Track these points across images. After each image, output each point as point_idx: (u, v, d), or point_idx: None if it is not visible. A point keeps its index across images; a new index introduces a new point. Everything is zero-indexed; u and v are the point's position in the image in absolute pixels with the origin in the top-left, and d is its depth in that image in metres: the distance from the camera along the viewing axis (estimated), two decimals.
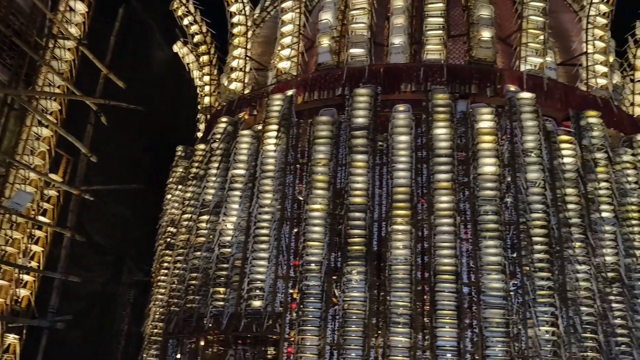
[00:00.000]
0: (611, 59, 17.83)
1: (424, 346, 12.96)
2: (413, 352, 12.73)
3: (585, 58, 16.93)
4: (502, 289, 13.08)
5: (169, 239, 17.52)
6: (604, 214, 14.62)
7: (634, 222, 15.15)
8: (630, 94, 18.75)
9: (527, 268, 13.46)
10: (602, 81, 16.94)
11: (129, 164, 21.44)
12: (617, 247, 14.31)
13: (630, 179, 15.56)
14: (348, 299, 13.39)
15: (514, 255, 13.84)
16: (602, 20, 17.36)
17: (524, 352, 12.74)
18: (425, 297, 13.46)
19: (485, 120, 14.62)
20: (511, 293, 13.31)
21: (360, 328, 13.09)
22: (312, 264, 13.84)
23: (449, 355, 12.58)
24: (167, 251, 17.42)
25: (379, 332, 13.41)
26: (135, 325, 21.69)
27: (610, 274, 14.17)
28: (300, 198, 15.25)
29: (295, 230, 15.00)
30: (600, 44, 17.26)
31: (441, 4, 16.41)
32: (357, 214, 14.11)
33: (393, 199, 14.10)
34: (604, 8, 17.39)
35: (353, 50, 16.37)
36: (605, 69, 17.11)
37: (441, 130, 14.65)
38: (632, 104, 18.68)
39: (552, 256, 13.52)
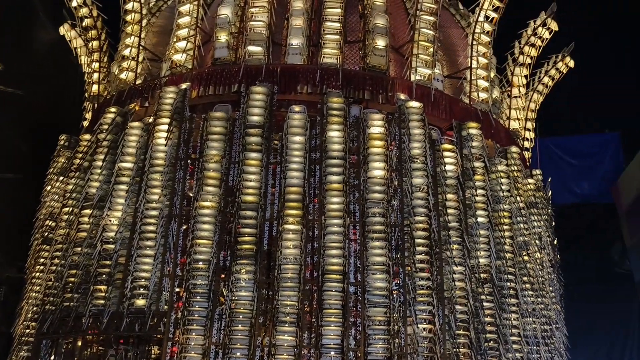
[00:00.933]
0: (492, 75, 19.14)
1: (309, 344, 13.19)
2: (298, 351, 12.90)
3: (469, 72, 18.03)
4: (385, 289, 13.62)
5: (46, 234, 16.47)
6: (479, 219, 15.68)
7: (505, 227, 16.38)
8: (507, 108, 20.22)
9: (409, 268, 14.12)
10: (483, 95, 18.13)
11: (5, 152, 19.91)
12: (489, 250, 15.38)
13: (503, 187, 16.80)
14: (236, 298, 13.33)
15: (398, 255, 14.47)
16: (485, 38, 18.59)
17: (403, 349, 13.35)
18: (313, 296, 13.72)
19: (376, 126, 15.16)
20: (394, 292, 13.90)
21: (246, 327, 13.07)
22: (200, 263, 13.63)
23: (332, 353, 12.89)
24: (44, 246, 16.36)
25: (266, 331, 13.47)
26: (5, 325, 20.15)
27: (482, 275, 15.20)
28: (191, 194, 14.95)
29: (184, 227, 14.69)
30: (483, 60, 18.45)
31: (339, 10, 16.77)
32: (249, 213, 14.08)
33: (285, 198, 14.22)
34: (488, 27, 18.63)
35: (251, 48, 16.30)
36: (486, 84, 18.33)
37: (335, 133, 14.98)
38: (509, 118, 20.15)
39: (432, 257, 14.29)
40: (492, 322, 14.83)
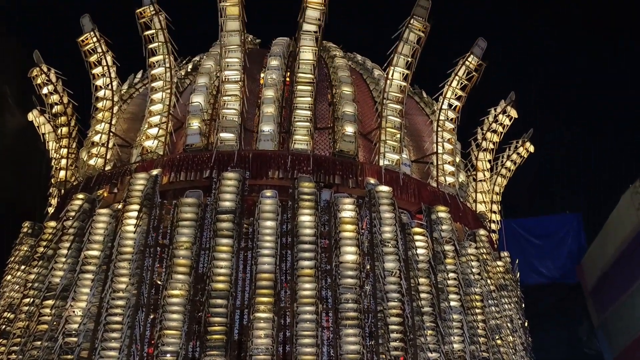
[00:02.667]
0: (457, 160, 19.75)
1: None
2: None
3: (436, 157, 18.56)
4: None
5: (4, 326, 15.60)
6: (452, 303, 15.61)
7: (477, 310, 16.32)
8: (473, 192, 20.74)
9: (384, 356, 13.79)
10: (450, 179, 18.59)
11: None
12: (463, 335, 15.22)
13: (474, 270, 16.89)
14: None
15: (372, 342, 14.16)
16: (450, 125, 19.32)
17: None
18: None
19: (347, 210, 15.26)
20: None
21: None
22: (168, 354, 13.05)
23: None
24: (0, 340, 15.44)
25: None
26: None
27: None
28: (159, 283, 14.53)
29: (152, 317, 14.16)
30: (448, 146, 19.08)
31: (309, 98, 17.30)
32: (219, 301, 13.70)
33: (257, 285, 13.94)
34: (451, 114, 19.41)
35: (223, 135, 16.53)
36: (452, 169, 18.86)
37: (306, 218, 14.99)
38: (475, 201, 20.63)
39: (407, 344, 14.02)
40: None
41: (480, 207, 20.67)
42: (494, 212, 21.52)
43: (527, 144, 21.97)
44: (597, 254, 28.76)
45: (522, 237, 31.88)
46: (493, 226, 21.38)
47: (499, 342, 16.95)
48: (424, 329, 14.78)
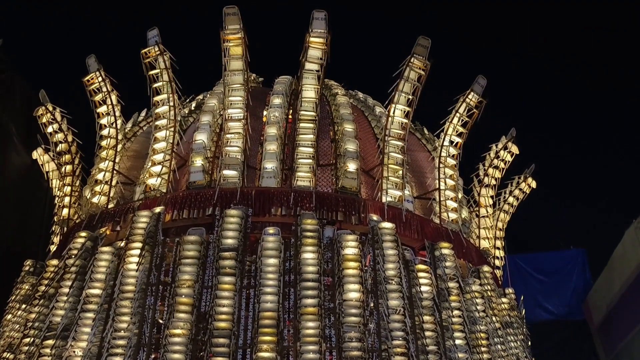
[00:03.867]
0: (460, 196, 19.76)
1: None
2: None
3: (438, 193, 18.58)
4: None
5: None
6: (457, 342, 15.38)
7: (483, 349, 16.06)
8: (476, 228, 20.67)
9: None
10: (452, 215, 18.57)
11: None
12: None
13: (479, 307, 16.70)
14: None
15: None
16: (451, 161, 19.40)
17: None
18: None
19: (350, 247, 15.19)
20: None
21: None
22: None
23: None
24: None
25: None
26: None
27: None
28: (161, 321, 14.38)
29: (153, 356, 13.96)
30: (450, 182, 19.11)
31: (311, 135, 17.44)
32: (221, 340, 13.52)
33: (259, 324, 13.77)
34: (453, 151, 19.51)
35: (226, 172, 16.60)
36: (455, 205, 18.85)
37: (309, 255, 14.91)
38: (478, 237, 20.53)
39: None
40: None
41: (484, 243, 20.57)
42: (498, 248, 21.40)
43: (529, 180, 22.01)
44: (603, 290, 28.44)
45: (526, 272, 31.62)
46: (497, 262, 21.23)
47: None
48: None
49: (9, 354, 15.45)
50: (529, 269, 31.35)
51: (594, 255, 30.66)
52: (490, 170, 20.95)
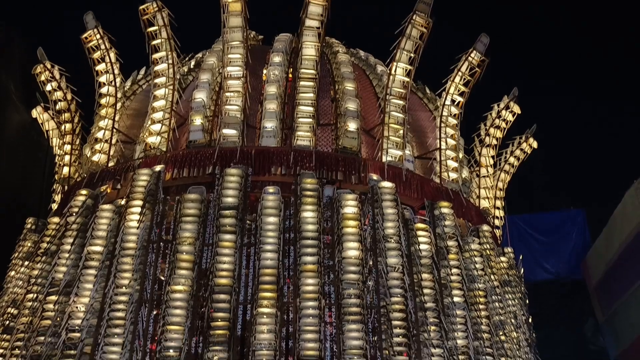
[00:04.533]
0: (461, 155, 19.70)
1: None
2: None
3: (439, 153, 18.52)
4: None
5: (7, 322, 15.68)
6: (455, 299, 15.58)
7: (481, 306, 16.28)
8: (477, 187, 20.68)
9: (387, 352, 13.78)
10: (453, 175, 18.55)
11: None
12: (467, 330, 15.20)
13: (477, 265, 16.86)
14: None
15: (375, 338, 14.15)
16: (453, 121, 19.26)
17: None
18: None
19: (350, 206, 15.25)
20: None
21: None
22: (170, 350, 13.06)
23: None
24: (4, 335, 15.52)
25: None
26: None
27: (461, 357, 14.91)
28: (162, 278, 14.56)
29: (155, 312, 14.20)
30: (451, 142, 19.03)
31: (312, 94, 17.27)
32: (222, 296, 13.72)
33: (259, 280, 13.94)
34: (454, 110, 19.35)
35: (225, 131, 16.53)
36: (455, 164, 18.81)
37: (309, 214, 14.98)
38: (478, 197, 20.56)
39: (410, 340, 14.01)
40: None
41: (484, 203, 20.62)
42: (498, 208, 21.46)
43: (531, 140, 21.90)
44: (602, 250, 28.66)
45: (526, 233, 31.81)
46: (496, 222, 21.33)
47: (502, 338, 16.90)
48: (427, 324, 14.75)
49: (13, 309, 15.74)
50: (528, 229, 31.53)
51: (593, 216, 30.78)
52: (492, 130, 20.83)
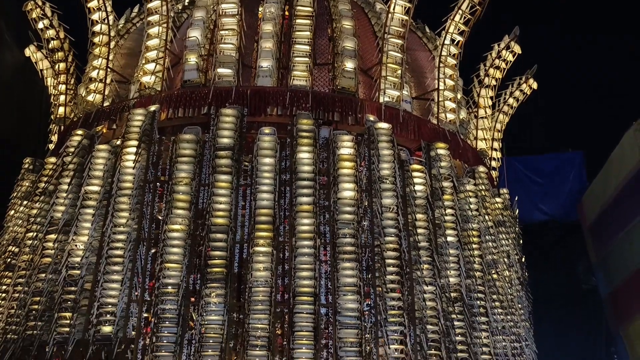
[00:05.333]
0: (459, 96, 19.50)
1: None
2: None
3: (437, 94, 18.33)
4: (356, 310, 13.58)
5: (9, 260, 16.02)
6: (448, 239, 15.83)
7: (474, 246, 16.55)
8: (474, 129, 20.59)
9: (380, 289, 14.12)
10: (450, 116, 18.43)
11: None
12: (459, 269, 15.52)
13: (472, 206, 17.02)
14: (206, 322, 13.10)
15: (369, 276, 14.48)
16: (452, 61, 18.95)
17: None
18: (284, 318, 13.60)
19: (346, 147, 15.25)
20: (365, 313, 13.87)
21: (216, 352, 12.85)
22: (169, 287, 13.39)
23: None
24: (6, 273, 15.90)
25: (237, 355, 13.27)
26: None
27: (453, 294, 15.30)
28: (160, 218, 14.75)
29: (153, 251, 14.46)
30: (450, 82, 18.80)
31: (308, 33, 16.93)
32: (219, 235, 13.94)
33: (255, 220, 14.14)
34: (453, 50, 19.02)
35: (221, 70, 16.31)
36: (453, 105, 18.65)
37: (305, 155, 15.01)
38: (476, 138, 20.51)
39: (403, 278, 14.33)
40: (463, 341, 14.90)
41: (481, 145, 20.59)
42: (495, 150, 21.45)
43: (531, 81, 21.61)
44: (598, 192, 28.82)
45: (524, 175, 31.91)
46: (493, 163, 21.36)
47: (495, 276, 17.28)
48: (421, 263, 15.06)
49: (14, 247, 16.03)
50: (526, 171, 31.61)
51: (592, 158, 30.77)
52: (491, 71, 20.53)
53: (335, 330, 13.34)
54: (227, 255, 13.77)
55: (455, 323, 15.03)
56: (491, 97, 20.94)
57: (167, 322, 13.06)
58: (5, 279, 15.80)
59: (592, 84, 29.62)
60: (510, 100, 21.62)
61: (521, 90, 21.62)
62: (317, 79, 17.29)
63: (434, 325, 14.38)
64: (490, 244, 17.59)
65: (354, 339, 13.27)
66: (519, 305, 18.03)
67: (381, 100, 17.09)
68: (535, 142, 31.61)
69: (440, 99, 18.30)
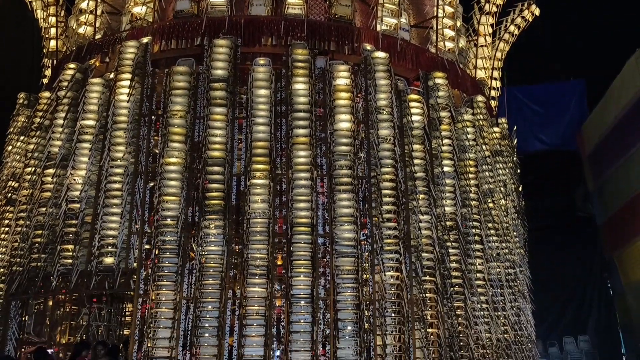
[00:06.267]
0: (459, 24, 19.02)
1: (279, 295, 13.44)
2: (269, 302, 13.13)
3: (436, 22, 17.89)
4: (353, 239, 13.82)
5: (9, 194, 16.20)
6: (445, 169, 15.90)
7: (470, 175, 16.66)
8: (474, 57, 20.23)
9: (377, 219, 14.32)
10: (449, 45, 18.07)
11: None
12: (455, 198, 15.67)
13: (469, 136, 17.00)
14: (206, 253, 13.39)
15: (365, 207, 14.65)
16: None
17: (371, 296, 13.70)
18: (282, 248, 13.89)
19: (342, 78, 15.04)
20: (362, 242, 14.14)
21: (217, 281, 13.20)
22: (168, 219, 13.59)
23: (302, 302, 13.14)
24: (7, 207, 16.11)
25: (237, 284, 13.64)
26: None
27: (448, 223, 15.53)
28: (156, 151, 14.77)
29: (151, 184, 14.58)
30: (449, 9, 18.31)
31: None
32: (216, 168, 14.00)
33: (252, 153, 14.16)
34: None
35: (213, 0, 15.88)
36: (452, 33, 18.24)
37: (300, 86, 14.83)
38: (475, 67, 20.19)
39: (399, 207, 14.50)
40: (457, 267, 15.26)
41: (480, 74, 20.30)
42: (495, 79, 21.16)
43: (533, 7, 21.00)
44: (598, 120, 28.71)
45: (524, 104, 31.69)
46: (493, 93, 21.13)
47: (490, 205, 17.46)
48: (417, 193, 15.19)
49: (13, 182, 16.16)
50: (526, 100, 31.36)
51: (594, 87, 30.40)
52: None
53: (332, 259, 13.64)
54: (224, 187, 13.88)
55: (450, 251, 15.35)
56: (492, 25, 20.42)
57: (167, 253, 13.33)
58: (7, 214, 16.03)
59: (595, 11, 28.80)
60: (512, 28, 21.10)
61: (523, 17, 21.06)
62: (312, 7, 16.84)
63: (429, 253, 14.68)
64: (487, 173, 17.66)
65: (351, 267, 13.59)
66: (514, 233, 18.35)
67: (378, 28, 16.71)
68: (536, 70, 31.11)
69: (439, 27, 17.87)
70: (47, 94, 16.32)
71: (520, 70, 27.87)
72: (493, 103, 20.95)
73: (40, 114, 15.89)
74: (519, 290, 17.57)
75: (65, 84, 15.41)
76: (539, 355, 19.81)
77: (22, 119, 17.04)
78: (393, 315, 13.60)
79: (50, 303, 15.06)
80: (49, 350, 14.02)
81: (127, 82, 14.70)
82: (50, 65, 18.79)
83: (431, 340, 14.20)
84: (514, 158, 20.13)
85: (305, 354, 12.73)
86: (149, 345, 12.68)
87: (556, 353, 28.04)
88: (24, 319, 14.72)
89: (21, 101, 17.50)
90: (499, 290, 16.57)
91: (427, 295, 14.45)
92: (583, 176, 31.81)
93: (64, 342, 15.14)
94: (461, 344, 14.79)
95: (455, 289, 15.12)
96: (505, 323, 16.44)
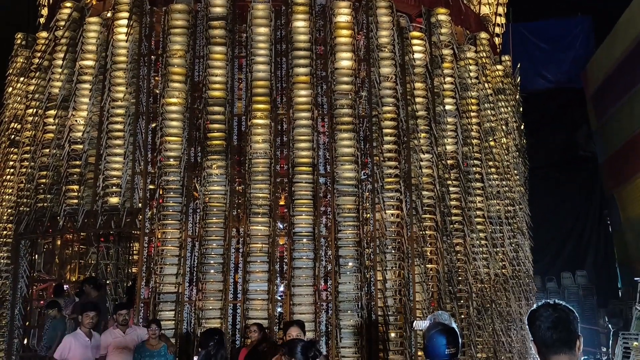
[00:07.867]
0: None
1: (282, 233, 13.73)
2: (272, 240, 13.43)
3: None
4: (354, 178, 13.97)
5: (13, 136, 16.28)
6: (447, 107, 15.84)
7: (472, 114, 16.61)
8: None
9: (377, 158, 14.42)
10: None
11: None
12: (456, 137, 15.70)
13: (472, 74, 16.82)
14: (209, 192, 13.58)
15: (366, 146, 14.72)
16: None
17: (371, 234, 13.98)
18: (284, 188, 14.07)
19: (343, 15, 14.77)
20: (362, 181, 14.29)
21: (221, 220, 13.46)
22: (171, 159, 13.71)
23: (304, 240, 13.42)
24: (11, 149, 16.22)
25: (240, 222, 13.91)
26: None
27: (449, 161, 15.62)
28: (157, 91, 14.72)
29: (153, 125, 14.62)
30: None
31: None
32: (216, 108, 13.99)
33: (252, 92, 14.10)
34: None
35: None
36: None
37: (300, 24, 14.58)
38: (479, 3, 19.73)
39: (400, 146, 14.56)
40: (457, 205, 15.46)
41: (485, 10, 19.87)
42: (499, 15, 20.70)
43: None
44: (603, 58, 28.28)
45: (529, 41, 31.13)
46: (497, 30, 20.73)
47: (492, 143, 17.49)
48: (418, 131, 15.21)
49: (16, 124, 16.20)
50: (532, 38, 30.79)
51: (599, 23, 29.77)
52: None
53: (333, 198, 13.82)
54: (225, 128, 13.91)
55: (451, 189, 15.51)
56: None
57: (171, 193, 13.52)
58: (12, 155, 16.16)
59: None
60: None
61: None
62: None
63: (429, 192, 14.84)
64: (489, 111, 17.61)
65: (352, 206, 13.79)
66: (515, 171, 18.46)
67: None
68: (542, 6, 30.38)
69: None
70: (44, 34, 16.12)
71: (526, 6, 27.22)
72: (497, 40, 20.59)
73: (39, 54, 15.74)
74: (518, 227, 17.86)
75: (62, 23, 15.20)
76: (536, 289, 20.32)
77: (21, 60, 16.89)
78: (393, 252, 13.90)
79: (59, 242, 15.41)
80: (65, 287, 14.63)
81: (125, 22, 14.48)
82: (47, 3, 18.43)
83: (430, 275, 14.57)
84: (517, 96, 19.99)
85: (307, 289, 13.11)
86: (157, 281, 13.07)
87: (554, 287, 28.75)
88: (33, 257, 15.12)
89: (19, 42, 17.29)
90: (498, 227, 16.84)
91: (426, 232, 14.71)
92: (586, 116, 31.64)
93: (73, 279, 15.61)
94: (459, 278, 15.18)
95: (454, 226, 15.37)
96: (504, 259, 16.80)
